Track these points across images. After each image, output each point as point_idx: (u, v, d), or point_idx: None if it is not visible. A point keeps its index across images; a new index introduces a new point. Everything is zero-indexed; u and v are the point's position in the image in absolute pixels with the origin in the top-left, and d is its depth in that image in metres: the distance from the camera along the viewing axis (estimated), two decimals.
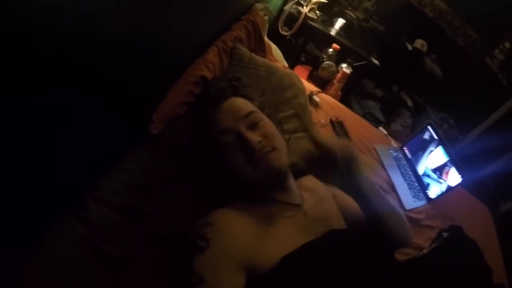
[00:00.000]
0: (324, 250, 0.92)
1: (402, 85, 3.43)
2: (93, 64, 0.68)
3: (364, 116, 3.03)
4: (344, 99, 2.56)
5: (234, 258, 0.84)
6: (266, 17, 1.81)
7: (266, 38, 1.81)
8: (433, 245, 1.50)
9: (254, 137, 0.95)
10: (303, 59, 2.91)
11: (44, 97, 0.59)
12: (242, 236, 0.87)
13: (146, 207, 0.97)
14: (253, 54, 1.45)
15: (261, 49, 1.70)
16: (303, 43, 2.79)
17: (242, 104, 1.04)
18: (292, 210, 1.01)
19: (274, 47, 1.94)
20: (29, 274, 0.75)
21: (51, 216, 0.82)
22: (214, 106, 1.03)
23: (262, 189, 1.00)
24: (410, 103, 3.43)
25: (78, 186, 0.88)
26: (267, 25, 1.84)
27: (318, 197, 1.12)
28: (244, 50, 1.42)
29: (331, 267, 0.88)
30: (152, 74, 0.99)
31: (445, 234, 1.53)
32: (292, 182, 1.07)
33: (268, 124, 1.03)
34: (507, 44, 3.24)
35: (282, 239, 0.92)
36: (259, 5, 1.74)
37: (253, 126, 1.00)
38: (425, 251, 1.45)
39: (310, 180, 1.20)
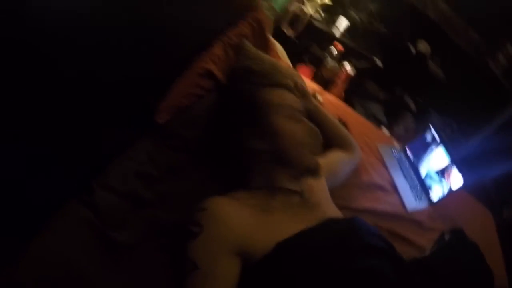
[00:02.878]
0: (317, 240, 0.92)
1: (405, 88, 3.43)
2: (105, 54, 0.69)
3: (367, 118, 3.03)
4: (347, 101, 2.56)
5: (227, 243, 0.84)
6: (271, 16, 1.82)
7: (270, 37, 1.82)
8: (435, 247, 1.50)
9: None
10: (306, 59, 2.92)
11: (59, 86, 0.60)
12: (236, 222, 0.88)
13: (150, 196, 0.98)
14: (259, 51, 1.46)
15: (266, 47, 1.71)
16: (307, 43, 2.80)
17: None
18: (289, 196, 1.03)
19: (278, 46, 1.95)
20: (34, 251, 0.76)
21: (59, 201, 0.84)
22: None
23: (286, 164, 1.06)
24: (413, 106, 3.43)
25: (85, 172, 0.90)
26: (272, 24, 1.84)
27: (308, 184, 1.13)
28: (251, 46, 1.43)
29: (323, 259, 0.88)
30: (160, 64, 1.01)
31: (447, 236, 1.53)
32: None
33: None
34: (510, 48, 3.24)
35: (277, 225, 0.93)
36: (264, 4, 1.75)
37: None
38: (427, 252, 1.46)
39: None
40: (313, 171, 1.10)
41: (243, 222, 0.89)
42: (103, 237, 0.85)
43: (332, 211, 1.13)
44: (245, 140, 1.05)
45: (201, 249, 0.83)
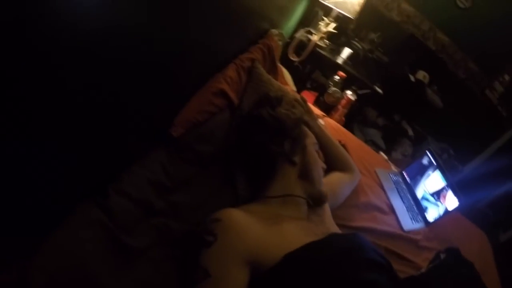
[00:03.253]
0: (323, 252, 0.96)
1: (404, 114, 3.52)
2: (129, 67, 0.78)
3: (366, 143, 3.10)
4: (347, 126, 2.64)
5: (239, 253, 0.87)
6: (280, 43, 1.93)
7: (278, 62, 1.93)
8: (431, 265, 1.54)
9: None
10: (308, 85, 3.01)
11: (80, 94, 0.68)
12: (248, 233, 0.92)
13: (162, 205, 1.03)
14: (269, 76, 1.57)
15: (274, 71, 1.82)
16: (310, 70, 2.91)
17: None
18: (299, 205, 1.11)
19: (285, 71, 2.06)
20: (47, 250, 0.78)
21: (75, 202, 0.88)
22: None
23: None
24: (411, 132, 3.52)
25: (103, 177, 0.95)
26: (280, 50, 1.96)
27: None
28: (262, 70, 1.54)
29: (328, 271, 0.92)
30: (178, 83, 1.10)
31: (442, 255, 1.56)
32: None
33: None
34: (506, 77, 3.33)
35: (286, 237, 0.97)
36: (274, 31, 1.87)
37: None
38: (422, 270, 1.49)
39: None
40: (320, 201, 1.19)
41: (255, 233, 0.92)
42: (115, 240, 0.88)
43: (334, 228, 1.20)
44: (280, 153, 1.17)
45: (214, 257, 0.86)
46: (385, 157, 2.31)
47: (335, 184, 1.45)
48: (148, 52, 0.83)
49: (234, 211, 0.99)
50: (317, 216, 1.15)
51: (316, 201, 1.17)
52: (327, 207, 1.27)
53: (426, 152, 1.97)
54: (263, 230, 0.96)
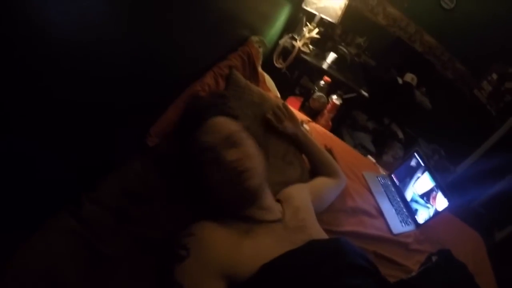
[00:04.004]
0: (302, 260, 0.95)
1: (393, 117, 3.53)
2: (106, 78, 0.77)
3: (355, 147, 3.10)
4: (335, 130, 2.64)
5: (213, 267, 0.87)
6: (260, 49, 1.92)
7: (260, 69, 1.92)
8: (422, 268, 1.51)
9: (230, 156, 1.01)
10: (297, 91, 2.99)
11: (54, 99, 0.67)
12: (222, 247, 0.91)
13: (136, 214, 1.01)
14: (248, 81, 1.55)
15: (255, 78, 1.81)
16: (298, 76, 2.90)
17: (223, 123, 1.10)
18: (272, 225, 1.05)
19: (267, 78, 2.05)
20: (19, 260, 0.77)
21: (48, 212, 0.86)
22: (197, 124, 1.09)
23: (237, 207, 1.05)
24: (401, 135, 3.52)
25: (76, 185, 0.93)
26: (261, 57, 1.95)
27: (294, 207, 1.18)
28: (240, 76, 1.53)
29: (308, 279, 0.90)
30: (154, 92, 1.08)
31: (434, 258, 1.54)
32: (268, 200, 1.13)
33: (249, 143, 1.10)
34: (494, 76, 3.34)
35: (261, 249, 0.96)
36: (254, 38, 1.87)
37: (234, 144, 1.05)
38: (413, 273, 1.47)
39: (286, 191, 1.28)
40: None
41: (229, 247, 0.92)
42: (90, 248, 0.87)
43: (318, 233, 1.16)
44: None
45: (188, 272, 0.86)
46: (373, 160, 2.30)
47: (319, 188, 1.44)
48: (125, 61, 0.82)
49: (208, 225, 0.98)
50: (297, 221, 1.12)
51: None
52: (311, 212, 1.25)
53: (414, 154, 1.95)
54: (236, 244, 0.94)
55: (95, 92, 0.77)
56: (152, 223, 1.02)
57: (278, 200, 1.21)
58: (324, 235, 1.18)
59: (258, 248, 0.96)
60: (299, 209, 1.18)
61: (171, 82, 1.18)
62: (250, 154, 1.07)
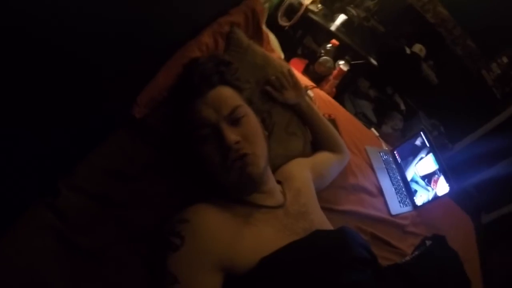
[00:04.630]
0: (305, 252, 0.89)
1: (397, 88, 3.41)
2: (83, 39, 0.62)
3: (356, 115, 3.01)
4: (337, 97, 2.52)
5: (209, 258, 0.81)
6: (266, 5, 1.74)
7: (264, 27, 1.75)
8: (416, 253, 1.49)
9: (232, 135, 0.88)
10: (299, 51, 2.86)
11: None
12: (219, 235, 0.84)
13: (123, 196, 0.91)
14: (251, 41, 1.39)
15: (258, 37, 1.63)
16: (301, 35, 2.73)
17: (227, 97, 0.96)
18: (273, 211, 0.97)
19: (272, 37, 1.88)
20: None
21: (19, 205, 0.77)
22: (196, 94, 0.94)
23: (236, 192, 0.95)
24: (402, 106, 3.42)
25: (50, 172, 0.82)
26: (266, 13, 1.77)
27: (295, 189, 1.10)
28: (242, 36, 1.35)
29: (309, 274, 0.85)
30: (140, 52, 0.91)
31: (428, 243, 1.52)
32: (271, 183, 1.03)
33: (251, 122, 0.97)
34: (505, 59, 3.24)
35: (261, 239, 0.89)
36: None
37: (236, 121, 0.93)
38: (407, 258, 1.44)
39: (287, 168, 1.20)
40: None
41: (226, 236, 0.84)
42: (68, 244, 0.80)
43: (319, 217, 1.10)
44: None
45: (182, 263, 0.79)
46: (377, 133, 2.20)
47: (322, 164, 1.36)
48: (107, 16, 0.66)
49: (204, 209, 0.89)
50: (299, 206, 1.04)
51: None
52: (313, 194, 1.18)
53: (420, 133, 1.85)
54: (235, 233, 0.86)
55: (70, 49, 0.62)
56: (140, 205, 0.92)
57: (278, 181, 1.12)
58: (324, 220, 1.13)
59: (259, 238, 0.89)
60: (300, 192, 1.10)
61: (161, 41, 1.01)
62: (255, 135, 0.95)
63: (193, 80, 0.95)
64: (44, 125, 0.69)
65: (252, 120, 0.97)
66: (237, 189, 0.94)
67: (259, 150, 0.94)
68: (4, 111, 0.57)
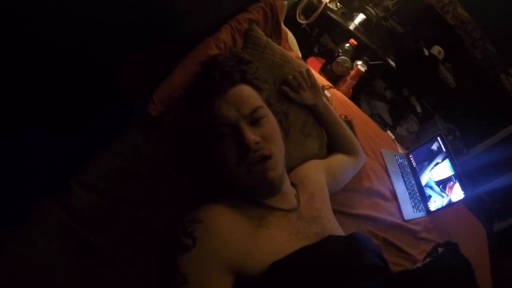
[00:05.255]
0: (317, 259, 0.87)
1: (413, 90, 3.36)
2: (98, 36, 0.61)
3: (371, 116, 2.97)
4: (353, 97, 2.48)
5: (221, 260, 0.79)
6: (285, 2, 1.72)
7: (282, 25, 1.73)
8: (427, 260, 1.47)
9: (252, 135, 0.86)
10: (316, 50, 2.82)
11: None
12: (232, 237, 0.82)
13: (137, 195, 0.90)
14: (269, 40, 1.37)
15: (277, 35, 1.61)
16: (318, 34, 2.69)
17: (248, 96, 0.94)
18: (287, 215, 0.96)
19: (290, 35, 1.85)
20: (1, 263, 0.69)
21: (31, 202, 0.76)
22: (216, 91, 0.92)
23: (253, 195, 0.94)
24: (419, 109, 3.37)
25: (63, 169, 0.81)
26: (285, 10, 1.75)
27: (309, 193, 1.08)
28: (261, 33, 1.33)
29: (320, 281, 0.84)
30: (157, 49, 0.90)
31: (440, 250, 1.49)
32: (286, 185, 1.01)
33: (271, 124, 0.95)
34: None
35: (274, 243, 0.87)
36: None
37: (255, 122, 0.91)
38: (418, 264, 1.42)
39: (302, 171, 1.19)
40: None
41: (239, 238, 0.83)
42: (81, 243, 0.78)
43: (331, 222, 1.08)
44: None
45: (193, 264, 0.78)
46: (393, 136, 2.16)
47: (337, 167, 1.33)
48: (122, 12, 0.65)
49: (217, 209, 0.87)
50: (312, 210, 1.03)
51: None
52: (326, 198, 1.16)
53: (437, 138, 1.81)
54: (248, 234, 0.85)
55: (84, 44, 0.61)
56: (153, 204, 0.91)
57: (292, 184, 1.10)
58: (336, 225, 1.11)
59: (272, 242, 0.87)
60: (314, 196, 1.09)
61: (179, 37, 0.99)
62: (274, 137, 0.93)
63: (214, 77, 0.93)
64: (57, 122, 0.68)
65: (271, 122, 0.96)
66: (255, 192, 0.92)
67: (278, 153, 0.92)
68: (18, 107, 0.56)
